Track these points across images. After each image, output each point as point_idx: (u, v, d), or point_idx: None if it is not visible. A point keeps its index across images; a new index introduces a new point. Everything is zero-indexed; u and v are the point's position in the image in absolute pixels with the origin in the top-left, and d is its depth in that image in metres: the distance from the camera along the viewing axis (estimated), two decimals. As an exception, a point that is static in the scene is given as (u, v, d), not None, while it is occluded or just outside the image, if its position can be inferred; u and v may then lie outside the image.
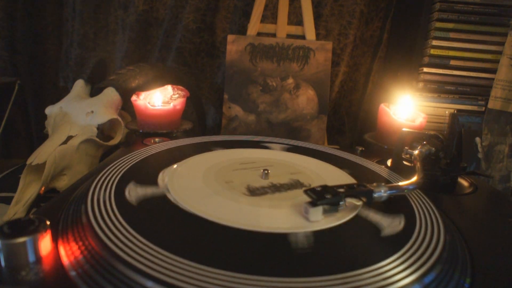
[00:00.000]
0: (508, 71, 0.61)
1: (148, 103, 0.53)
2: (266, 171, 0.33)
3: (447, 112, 0.65)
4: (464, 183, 0.41)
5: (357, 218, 0.26)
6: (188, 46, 0.78)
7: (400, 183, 0.29)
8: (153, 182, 0.30)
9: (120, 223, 0.22)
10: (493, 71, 0.63)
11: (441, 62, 0.64)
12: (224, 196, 0.28)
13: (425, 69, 0.64)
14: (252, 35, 0.71)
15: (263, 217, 0.25)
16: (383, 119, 0.54)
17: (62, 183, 0.45)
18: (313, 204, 0.25)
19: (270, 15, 0.77)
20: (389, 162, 0.46)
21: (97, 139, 0.49)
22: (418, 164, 0.35)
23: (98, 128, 0.50)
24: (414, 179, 0.30)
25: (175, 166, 0.34)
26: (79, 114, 0.50)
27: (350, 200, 0.27)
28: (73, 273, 0.19)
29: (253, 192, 0.29)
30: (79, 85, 0.56)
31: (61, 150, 0.44)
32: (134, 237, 0.21)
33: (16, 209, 0.38)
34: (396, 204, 0.29)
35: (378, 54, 0.80)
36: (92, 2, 0.77)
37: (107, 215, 0.23)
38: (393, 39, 0.78)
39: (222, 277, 0.18)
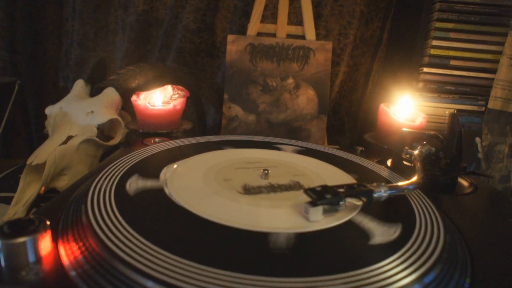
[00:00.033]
0: (508, 71, 0.61)
1: (148, 103, 0.53)
2: (266, 171, 0.33)
3: (447, 112, 0.65)
4: (464, 183, 0.41)
5: (350, 223, 0.25)
6: (188, 46, 0.78)
7: (400, 183, 0.29)
8: (156, 176, 0.31)
9: (120, 223, 0.22)
10: (493, 71, 0.63)
11: (441, 62, 0.64)
12: (218, 193, 0.29)
13: (425, 69, 0.64)
14: (252, 35, 0.71)
15: (263, 217, 0.25)
16: (383, 119, 0.54)
17: (62, 183, 0.45)
18: (313, 204, 0.25)
19: (270, 15, 0.77)
20: (389, 162, 0.46)
21: (97, 139, 0.49)
22: (418, 164, 0.35)
23: (98, 128, 0.50)
24: (414, 179, 0.30)
25: (175, 166, 0.34)
26: (79, 114, 0.50)
27: (350, 200, 0.27)
28: (73, 273, 0.19)
29: (248, 190, 0.29)
30: (79, 85, 0.56)
31: (61, 150, 0.44)
32: (134, 237, 0.21)
33: (16, 209, 0.38)
34: (397, 211, 0.29)
35: (378, 54, 0.80)
36: (92, 2, 0.77)
37: (107, 215, 0.23)
38: (393, 39, 0.78)
39: (222, 277, 0.18)
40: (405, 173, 0.37)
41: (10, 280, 0.18)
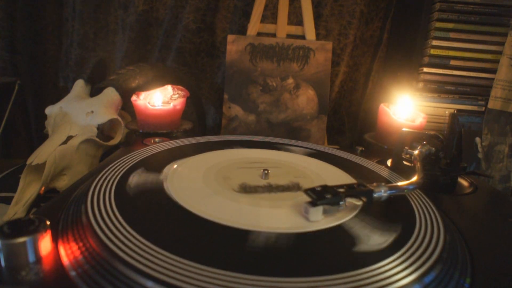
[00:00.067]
0: (508, 71, 0.61)
1: (148, 103, 0.53)
2: (266, 171, 0.33)
3: (447, 112, 0.65)
4: (464, 183, 0.41)
5: (341, 227, 0.25)
6: (188, 46, 0.78)
7: (400, 183, 0.29)
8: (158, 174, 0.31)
9: (120, 223, 0.22)
10: (493, 71, 0.63)
11: (441, 62, 0.64)
12: (215, 190, 0.29)
13: (425, 69, 0.64)
14: (252, 35, 0.71)
15: (263, 217, 0.25)
16: (383, 119, 0.54)
17: (62, 183, 0.45)
18: (313, 204, 0.25)
19: (270, 15, 0.77)
20: (389, 162, 0.46)
21: (97, 139, 0.49)
22: (418, 164, 0.35)
23: (98, 128, 0.50)
24: (414, 179, 0.30)
25: (175, 166, 0.34)
26: (79, 114, 0.50)
27: (350, 200, 0.27)
28: (73, 273, 0.19)
29: (244, 189, 0.30)
30: (79, 85, 0.56)
31: (61, 150, 0.44)
32: (134, 237, 0.21)
33: (16, 209, 0.38)
34: (397, 211, 0.29)
35: (378, 54, 0.80)
36: (92, 2, 0.77)
37: (107, 215, 0.23)
38: (393, 39, 0.78)
39: (222, 277, 0.18)
40: (405, 173, 0.37)
41: (10, 280, 0.18)
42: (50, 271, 0.19)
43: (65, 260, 0.20)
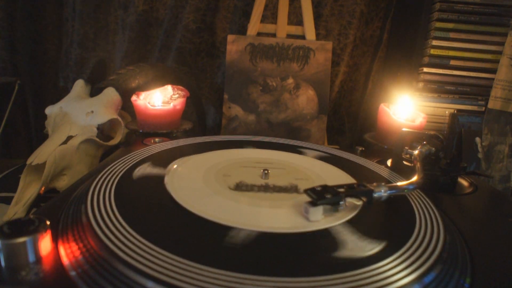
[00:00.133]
0: (508, 71, 0.61)
1: (148, 103, 0.53)
2: (266, 171, 0.33)
3: (447, 112, 0.65)
4: (464, 183, 0.41)
5: (328, 230, 0.24)
6: (188, 46, 0.78)
7: (400, 183, 0.29)
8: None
9: (120, 223, 0.22)
10: (493, 71, 0.63)
11: (441, 62, 0.64)
12: (211, 187, 0.29)
13: (425, 69, 0.64)
14: (252, 35, 0.71)
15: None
16: (383, 119, 0.54)
17: (62, 183, 0.45)
18: (313, 204, 0.25)
19: (270, 15, 0.77)
20: (389, 162, 0.46)
21: (97, 139, 0.49)
22: (418, 164, 0.35)
23: (98, 128, 0.50)
24: (414, 179, 0.30)
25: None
26: (79, 114, 0.50)
27: (350, 200, 0.27)
28: (73, 273, 0.19)
29: (239, 187, 0.30)
30: (79, 85, 0.56)
31: (61, 150, 0.44)
32: (134, 237, 0.21)
33: (16, 209, 0.38)
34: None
35: (378, 54, 0.80)
36: (92, 2, 0.77)
37: (107, 215, 0.23)
38: (393, 39, 0.78)
39: (222, 277, 0.18)
40: (405, 173, 0.37)
41: (10, 280, 0.18)
42: (50, 271, 0.19)
43: (65, 260, 0.20)
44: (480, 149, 0.62)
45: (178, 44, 0.78)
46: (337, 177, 0.36)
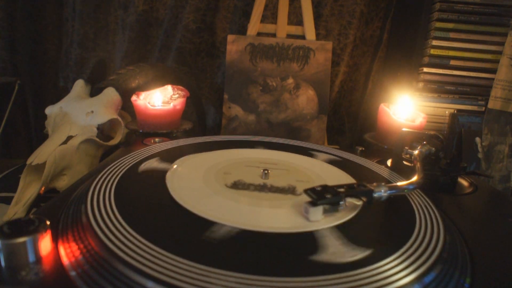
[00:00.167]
0: (508, 71, 0.61)
1: (148, 103, 0.53)
2: (266, 171, 0.33)
3: (447, 112, 0.65)
4: (464, 183, 0.41)
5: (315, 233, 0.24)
6: (188, 46, 0.78)
7: (400, 183, 0.29)
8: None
9: (120, 223, 0.22)
10: (493, 71, 0.63)
11: (441, 62, 0.64)
12: (209, 185, 0.30)
13: (425, 69, 0.64)
14: (252, 35, 0.71)
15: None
16: (383, 119, 0.54)
17: (62, 183, 0.45)
18: (313, 204, 0.25)
19: (270, 15, 0.77)
20: (389, 162, 0.46)
21: (97, 139, 0.49)
22: (418, 164, 0.35)
23: (98, 128, 0.50)
24: (414, 179, 0.30)
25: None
26: (79, 114, 0.50)
27: (350, 200, 0.27)
28: (73, 273, 0.19)
29: (236, 185, 0.30)
30: (79, 85, 0.56)
31: (61, 150, 0.44)
32: (134, 237, 0.21)
33: (16, 209, 0.38)
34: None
35: (378, 54, 0.80)
36: (92, 2, 0.77)
37: (107, 215, 0.23)
38: (393, 39, 0.78)
39: (222, 277, 0.18)
40: (405, 173, 0.37)
41: (10, 280, 0.18)
42: (50, 271, 0.19)
43: (65, 260, 0.20)
44: (480, 149, 0.62)
45: (178, 44, 0.78)
46: (337, 177, 0.36)
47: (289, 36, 0.72)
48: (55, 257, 0.20)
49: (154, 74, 0.59)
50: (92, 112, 0.50)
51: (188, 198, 0.27)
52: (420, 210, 0.28)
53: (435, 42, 0.63)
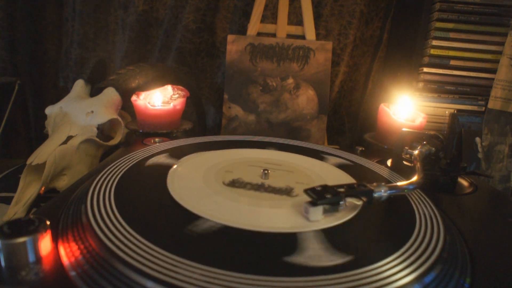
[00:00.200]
0: (508, 71, 0.61)
1: (148, 103, 0.53)
2: (266, 171, 0.33)
3: (447, 112, 0.65)
4: (464, 183, 0.41)
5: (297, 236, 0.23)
6: (188, 46, 0.78)
7: (400, 183, 0.29)
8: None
9: (120, 223, 0.22)
10: (493, 71, 0.63)
11: (441, 62, 0.64)
12: (207, 184, 0.30)
13: (425, 69, 0.64)
14: (252, 35, 0.71)
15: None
16: (383, 119, 0.54)
17: (62, 183, 0.45)
18: (313, 203, 0.25)
19: (270, 15, 0.77)
20: (389, 162, 0.46)
21: (97, 139, 0.49)
22: (418, 164, 0.35)
23: (98, 128, 0.50)
24: (414, 179, 0.30)
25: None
26: (79, 114, 0.50)
27: (351, 200, 0.27)
28: (73, 273, 0.19)
29: (233, 183, 0.31)
30: (79, 85, 0.56)
31: (61, 150, 0.44)
32: (134, 237, 0.21)
33: (16, 209, 0.38)
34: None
35: (378, 54, 0.80)
36: (92, 2, 0.77)
37: (107, 215, 0.23)
38: (393, 39, 0.78)
39: (222, 277, 0.18)
40: (405, 173, 0.37)
41: (10, 280, 0.18)
42: (50, 271, 0.19)
43: (65, 260, 0.20)
44: (480, 149, 0.62)
45: (178, 44, 0.78)
46: (337, 177, 0.36)
47: (289, 36, 0.72)
48: (55, 257, 0.20)
49: (154, 74, 0.59)
50: (92, 112, 0.50)
51: (188, 198, 0.27)
52: (420, 210, 0.28)
53: (435, 42, 0.63)
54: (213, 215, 0.24)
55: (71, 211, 0.25)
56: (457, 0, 0.62)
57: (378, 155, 0.50)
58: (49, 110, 0.52)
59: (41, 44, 0.79)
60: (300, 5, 0.72)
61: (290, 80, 0.70)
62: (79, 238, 0.21)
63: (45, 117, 0.53)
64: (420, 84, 0.65)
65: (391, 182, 0.35)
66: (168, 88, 0.58)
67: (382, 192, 0.27)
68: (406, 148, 0.40)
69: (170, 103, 0.55)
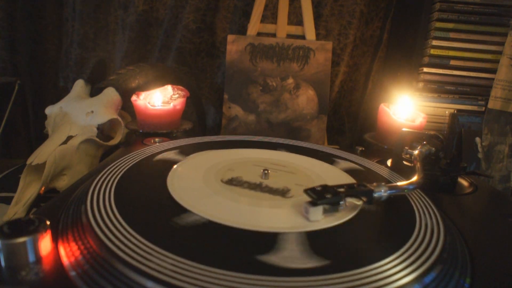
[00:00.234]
0: (508, 71, 0.61)
1: (148, 103, 0.53)
2: (266, 171, 0.33)
3: (447, 112, 0.65)
4: (464, 183, 0.41)
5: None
6: (188, 46, 0.78)
7: (400, 183, 0.29)
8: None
9: (120, 223, 0.22)
10: (493, 71, 0.63)
11: (441, 62, 0.64)
12: (206, 181, 0.30)
13: (425, 69, 0.64)
14: (252, 35, 0.71)
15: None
16: (383, 119, 0.54)
17: (62, 183, 0.45)
18: (313, 203, 0.25)
19: (270, 15, 0.77)
20: (389, 162, 0.46)
21: (97, 139, 0.49)
22: (418, 164, 0.35)
23: (98, 128, 0.50)
24: (414, 179, 0.30)
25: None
26: (79, 114, 0.50)
27: (351, 200, 0.27)
28: (73, 273, 0.19)
29: (230, 182, 0.31)
30: (79, 85, 0.56)
31: (61, 150, 0.44)
32: (134, 237, 0.21)
33: (16, 209, 0.38)
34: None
35: (378, 54, 0.80)
36: (92, 2, 0.77)
37: (107, 215, 0.23)
38: (393, 39, 0.78)
39: (222, 276, 0.18)
40: (405, 173, 0.37)
41: (10, 280, 0.18)
42: (50, 271, 0.19)
43: (65, 260, 0.20)
44: (480, 149, 0.62)
45: (178, 44, 0.78)
46: (337, 177, 0.36)
47: (289, 36, 0.72)
48: (55, 257, 0.20)
49: (154, 74, 0.59)
50: (92, 112, 0.50)
51: (188, 198, 0.27)
52: (420, 210, 0.28)
53: (435, 42, 0.63)
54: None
55: (71, 211, 0.25)
56: (457, 0, 0.62)
57: (378, 155, 0.50)
58: (49, 110, 0.52)
59: (41, 44, 0.79)
60: (300, 5, 0.72)
61: (290, 80, 0.70)
62: (79, 238, 0.21)
63: (45, 117, 0.53)
64: (420, 84, 0.65)
65: (391, 182, 0.35)
66: (168, 88, 0.58)
67: (382, 192, 0.27)
68: (406, 148, 0.40)
69: (170, 103, 0.55)
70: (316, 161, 0.40)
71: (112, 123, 0.54)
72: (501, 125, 0.63)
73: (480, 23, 0.62)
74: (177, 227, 0.22)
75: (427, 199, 0.31)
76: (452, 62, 0.64)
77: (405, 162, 0.41)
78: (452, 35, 0.63)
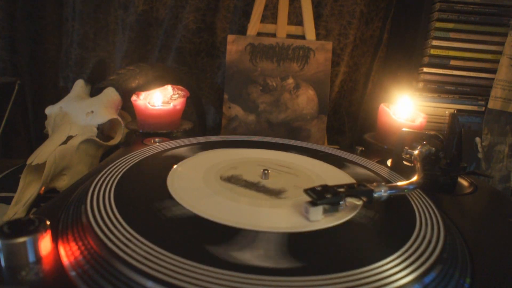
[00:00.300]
0: (508, 71, 0.61)
1: (148, 103, 0.53)
2: (266, 171, 0.33)
3: (447, 112, 0.65)
4: (464, 183, 0.41)
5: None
6: (188, 46, 0.78)
7: (400, 183, 0.29)
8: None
9: (120, 223, 0.22)
10: (493, 71, 0.63)
11: (441, 62, 0.64)
12: (206, 178, 0.30)
13: (425, 69, 0.64)
14: (252, 35, 0.71)
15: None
16: (383, 119, 0.54)
17: (62, 183, 0.45)
18: (313, 203, 0.25)
19: (270, 15, 0.77)
20: (389, 162, 0.46)
21: (97, 139, 0.49)
22: (418, 164, 0.35)
23: (98, 128, 0.50)
24: (414, 179, 0.30)
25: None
26: (79, 114, 0.50)
27: (351, 200, 0.27)
28: (73, 273, 0.19)
29: (229, 179, 0.32)
30: (79, 85, 0.56)
31: (61, 150, 0.44)
32: (134, 237, 0.21)
33: (16, 209, 0.38)
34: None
35: (378, 54, 0.80)
36: (92, 2, 0.77)
37: (107, 215, 0.23)
38: (393, 39, 0.78)
39: (222, 276, 0.18)
40: (405, 173, 0.37)
41: (10, 280, 0.18)
42: (50, 271, 0.19)
43: (65, 260, 0.20)
44: (480, 149, 0.62)
45: (178, 44, 0.78)
46: (337, 177, 0.36)
47: (289, 36, 0.72)
48: (55, 257, 0.20)
49: (154, 74, 0.59)
50: (92, 112, 0.50)
51: (188, 198, 0.27)
52: (420, 210, 0.28)
53: (435, 42, 0.63)
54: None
55: (71, 211, 0.25)
56: (457, 0, 0.62)
57: (378, 155, 0.50)
58: (49, 110, 0.52)
59: (41, 44, 0.79)
60: (300, 5, 0.72)
61: (290, 80, 0.70)
62: (79, 238, 0.21)
63: (45, 117, 0.53)
64: (420, 84, 0.65)
65: (391, 182, 0.35)
66: (168, 88, 0.58)
67: (382, 192, 0.27)
68: (406, 148, 0.40)
69: (170, 103, 0.55)
70: (325, 164, 0.39)
71: (112, 123, 0.54)
72: (501, 125, 0.63)
73: (480, 23, 0.62)
74: (163, 218, 0.23)
75: (427, 199, 0.31)
76: (452, 62, 0.64)
77: (405, 162, 0.41)
78: (452, 35, 0.63)
